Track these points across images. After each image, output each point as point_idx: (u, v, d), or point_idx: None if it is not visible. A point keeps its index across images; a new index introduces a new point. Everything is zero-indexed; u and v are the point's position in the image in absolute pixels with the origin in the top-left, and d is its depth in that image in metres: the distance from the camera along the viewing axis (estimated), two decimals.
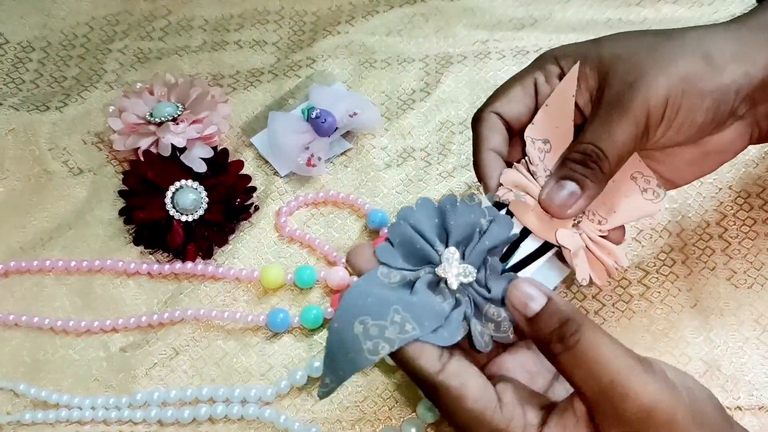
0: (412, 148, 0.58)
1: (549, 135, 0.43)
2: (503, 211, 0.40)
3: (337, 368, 0.35)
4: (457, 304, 0.36)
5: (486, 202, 0.39)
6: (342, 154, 0.58)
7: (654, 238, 0.52)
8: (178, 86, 0.58)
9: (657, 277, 0.51)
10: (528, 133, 0.43)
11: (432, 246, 0.37)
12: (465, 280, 0.36)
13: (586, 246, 0.41)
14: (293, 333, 0.51)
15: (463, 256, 0.37)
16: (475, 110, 0.44)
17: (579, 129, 0.43)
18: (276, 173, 0.57)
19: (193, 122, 0.56)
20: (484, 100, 0.44)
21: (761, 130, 0.44)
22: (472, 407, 0.34)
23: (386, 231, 0.37)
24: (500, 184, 0.41)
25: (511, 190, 0.41)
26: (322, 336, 0.50)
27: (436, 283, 0.37)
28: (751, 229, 0.52)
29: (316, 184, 0.57)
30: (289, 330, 0.50)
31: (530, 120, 0.43)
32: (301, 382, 0.48)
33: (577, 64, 0.42)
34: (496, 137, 0.43)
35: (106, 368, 0.49)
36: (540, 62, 0.44)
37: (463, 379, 0.34)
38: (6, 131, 0.60)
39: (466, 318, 0.36)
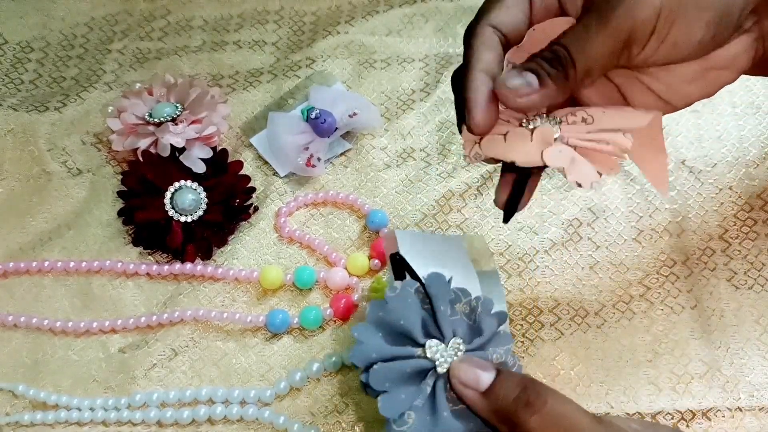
0: (411, 149, 0.58)
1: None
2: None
3: None
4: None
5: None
6: (342, 154, 0.58)
7: (654, 239, 0.52)
8: (177, 86, 0.58)
9: (657, 278, 0.51)
10: (510, 57, 0.40)
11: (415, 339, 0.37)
12: (459, 355, 0.36)
13: (578, 147, 0.38)
14: (292, 334, 0.50)
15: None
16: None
17: None
18: (275, 174, 0.57)
19: (193, 122, 0.56)
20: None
21: (767, 47, 0.40)
22: None
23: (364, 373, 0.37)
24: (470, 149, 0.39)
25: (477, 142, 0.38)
26: (321, 337, 0.50)
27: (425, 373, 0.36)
28: (752, 229, 0.52)
29: (315, 185, 0.57)
30: (288, 331, 0.50)
31: (528, 28, 0.40)
32: (301, 383, 0.48)
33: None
34: (489, 55, 0.39)
35: (105, 369, 0.49)
36: None
37: None
38: (5, 132, 0.60)
39: None
